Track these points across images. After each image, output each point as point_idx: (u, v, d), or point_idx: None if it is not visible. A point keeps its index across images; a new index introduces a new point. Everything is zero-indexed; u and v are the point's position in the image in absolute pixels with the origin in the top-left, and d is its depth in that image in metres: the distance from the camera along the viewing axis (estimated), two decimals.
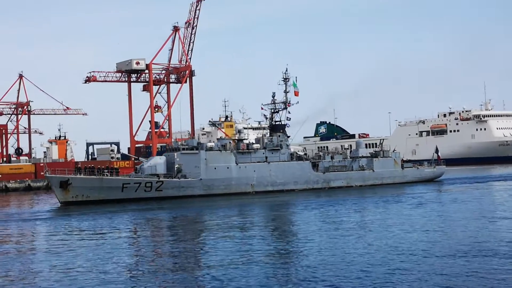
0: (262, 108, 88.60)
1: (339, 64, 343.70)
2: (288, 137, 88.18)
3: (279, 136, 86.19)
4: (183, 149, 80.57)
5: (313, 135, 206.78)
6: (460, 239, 36.59)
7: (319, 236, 40.11)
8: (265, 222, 51.63)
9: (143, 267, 31.73)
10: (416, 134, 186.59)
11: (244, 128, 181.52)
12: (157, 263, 32.77)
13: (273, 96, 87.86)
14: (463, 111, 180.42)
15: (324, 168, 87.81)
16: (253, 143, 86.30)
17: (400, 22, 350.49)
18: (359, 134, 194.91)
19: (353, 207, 60.18)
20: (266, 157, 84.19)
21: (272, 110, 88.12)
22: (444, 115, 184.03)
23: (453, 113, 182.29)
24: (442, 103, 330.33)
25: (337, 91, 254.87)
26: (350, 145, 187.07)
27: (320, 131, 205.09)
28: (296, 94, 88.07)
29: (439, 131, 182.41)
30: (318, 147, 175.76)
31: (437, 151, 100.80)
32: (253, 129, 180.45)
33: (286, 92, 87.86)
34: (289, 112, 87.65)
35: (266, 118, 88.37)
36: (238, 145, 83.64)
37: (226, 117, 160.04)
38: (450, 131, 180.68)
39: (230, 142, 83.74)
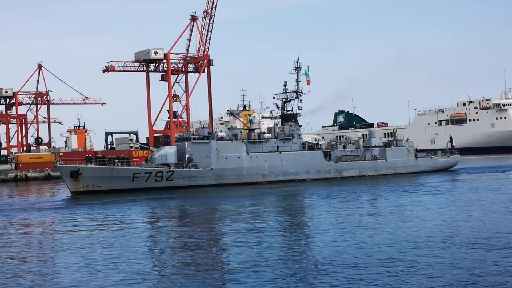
0: (274, 98, 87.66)
1: (356, 52, 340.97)
2: (300, 126, 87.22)
3: (291, 125, 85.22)
4: (194, 138, 79.88)
5: (331, 124, 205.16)
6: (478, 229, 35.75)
7: (334, 226, 38.91)
8: (279, 213, 50.63)
9: (167, 259, 31.07)
10: (435, 123, 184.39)
11: (263, 118, 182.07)
12: (179, 253, 32.35)
13: (285, 86, 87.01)
14: (482, 100, 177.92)
15: (336, 158, 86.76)
16: (264, 133, 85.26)
17: (417, 11, 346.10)
18: (377, 123, 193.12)
19: (367, 196, 59.55)
20: (278, 147, 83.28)
21: (284, 100, 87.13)
22: (464, 104, 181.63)
23: (473, 102, 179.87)
24: (461, 92, 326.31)
25: (354, 78, 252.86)
26: (366, 134, 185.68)
27: (339, 120, 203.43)
28: (308, 83, 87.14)
29: (458, 120, 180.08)
30: (337, 136, 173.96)
31: (451, 140, 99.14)
32: (271, 119, 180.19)
33: (297, 81, 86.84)
34: (301, 101, 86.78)
35: (278, 107, 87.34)
36: (249, 135, 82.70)
37: (244, 106, 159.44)
38: (470, 120, 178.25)
39: (241, 132, 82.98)
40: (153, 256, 32.30)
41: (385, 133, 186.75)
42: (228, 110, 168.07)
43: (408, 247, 30.78)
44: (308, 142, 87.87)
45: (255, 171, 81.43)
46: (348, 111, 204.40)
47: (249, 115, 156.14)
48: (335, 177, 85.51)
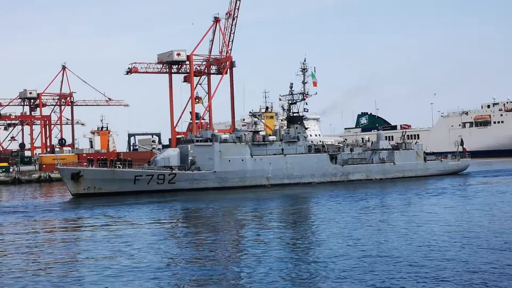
0: (280, 99, 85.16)
1: (378, 53, 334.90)
2: (306, 128, 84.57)
3: (297, 127, 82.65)
4: (197, 141, 77.79)
5: (354, 126, 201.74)
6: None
7: (343, 234, 36.99)
8: (285, 217, 48.86)
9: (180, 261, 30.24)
10: (459, 125, 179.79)
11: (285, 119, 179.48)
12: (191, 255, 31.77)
13: (291, 87, 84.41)
14: (507, 102, 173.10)
15: (342, 161, 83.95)
16: (269, 135, 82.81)
17: (441, 10, 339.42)
18: (401, 125, 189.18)
19: (373, 201, 57.41)
20: (282, 149, 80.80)
21: (290, 101, 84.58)
22: (488, 106, 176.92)
23: (497, 103, 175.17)
24: (486, 94, 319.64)
25: (376, 79, 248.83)
26: (392, 136, 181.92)
27: (362, 122, 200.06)
28: (315, 84, 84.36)
29: (483, 122, 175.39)
30: (361, 139, 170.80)
31: (462, 143, 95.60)
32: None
33: (304, 83, 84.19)
34: (306, 104, 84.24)
35: (284, 109, 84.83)
36: (253, 137, 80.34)
37: (267, 108, 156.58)
38: (494, 123, 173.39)
39: (245, 134, 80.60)
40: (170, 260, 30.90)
41: (408, 135, 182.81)
42: (250, 112, 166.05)
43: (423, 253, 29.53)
44: (314, 145, 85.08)
45: (259, 174, 79.07)
46: (371, 113, 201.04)
47: (271, 117, 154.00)
48: (341, 181, 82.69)
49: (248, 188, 76.78)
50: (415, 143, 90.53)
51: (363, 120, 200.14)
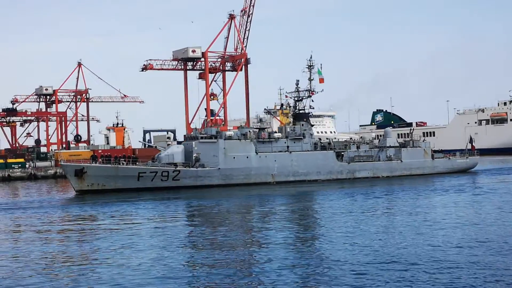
0: (286, 96, 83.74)
1: (393, 49, 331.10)
2: (312, 126, 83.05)
3: (302, 125, 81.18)
4: (202, 137, 76.68)
5: (369, 123, 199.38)
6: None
7: (352, 232, 36.25)
8: (290, 215, 47.77)
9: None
10: (475, 122, 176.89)
11: None
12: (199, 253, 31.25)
13: (297, 84, 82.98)
14: None
15: (349, 158, 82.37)
16: (275, 132, 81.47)
17: (456, 6, 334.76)
18: (416, 122, 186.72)
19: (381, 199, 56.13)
20: (288, 146, 79.39)
21: (296, 98, 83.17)
22: (505, 103, 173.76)
23: None
24: (502, 91, 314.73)
25: (392, 76, 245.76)
26: (407, 133, 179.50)
27: (377, 119, 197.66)
28: (321, 81, 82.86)
29: (499, 120, 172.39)
30: (376, 135, 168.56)
31: (471, 140, 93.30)
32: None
33: (310, 79, 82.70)
34: (312, 101, 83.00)
35: (290, 106, 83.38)
36: (258, 134, 79.02)
37: (282, 105, 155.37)
38: (511, 120, 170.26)
39: (250, 131, 79.31)
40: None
41: (424, 133, 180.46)
42: (265, 109, 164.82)
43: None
44: (321, 142, 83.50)
45: (264, 171, 77.79)
46: (386, 110, 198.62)
47: (286, 114, 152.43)
48: (347, 178, 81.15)
49: (253, 185, 75.56)
50: (423, 141, 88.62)
51: (379, 117, 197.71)
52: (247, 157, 77.14)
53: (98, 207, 55.97)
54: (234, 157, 76.46)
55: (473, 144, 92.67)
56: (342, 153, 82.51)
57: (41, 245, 34.86)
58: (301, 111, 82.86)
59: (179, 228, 41.15)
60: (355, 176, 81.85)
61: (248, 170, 77.15)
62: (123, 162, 74.20)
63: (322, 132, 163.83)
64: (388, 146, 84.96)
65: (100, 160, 74.78)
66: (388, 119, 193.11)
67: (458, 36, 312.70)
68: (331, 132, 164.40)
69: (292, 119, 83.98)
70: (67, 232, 40.18)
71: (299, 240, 34.19)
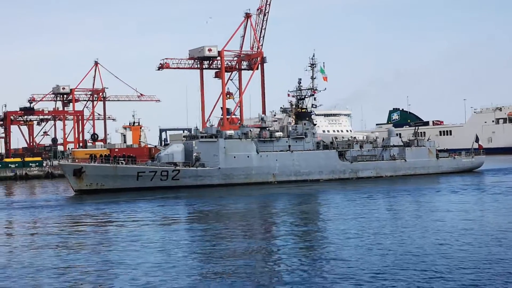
0: (288, 95, 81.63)
1: (410, 48, 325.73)
2: (315, 125, 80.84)
3: (305, 124, 79.01)
4: (202, 137, 74.89)
5: (385, 122, 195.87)
6: None
7: (359, 232, 35.04)
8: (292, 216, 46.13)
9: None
10: (493, 121, 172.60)
11: (316, 115, 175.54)
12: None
13: (299, 83, 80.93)
14: None
15: (351, 158, 80.00)
16: (276, 131, 79.37)
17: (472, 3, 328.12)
18: (433, 121, 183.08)
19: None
20: (289, 146, 77.26)
21: (298, 97, 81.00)
22: None
23: None
24: None
25: (409, 74, 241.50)
26: (424, 132, 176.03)
27: (393, 118, 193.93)
28: (325, 79, 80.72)
29: None
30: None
31: (477, 139, 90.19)
32: (324, 116, 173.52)
33: (313, 78, 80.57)
34: (314, 99, 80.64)
35: (292, 105, 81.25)
36: (260, 133, 77.00)
37: (303, 103, 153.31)
38: None
39: (251, 130, 77.35)
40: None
41: (440, 131, 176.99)
42: (281, 108, 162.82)
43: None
44: (323, 141, 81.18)
45: (265, 170, 75.82)
46: (402, 109, 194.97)
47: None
48: (350, 178, 78.80)
49: (254, 185, 73.65)
50: (427, 140, 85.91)
51: (395, 116, 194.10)
52: (248, 156, 75.23)
53: (94, 206, 54.90)
54: (234, 157, 74.60)
55: (480, 143, 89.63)
56: (345, 152, 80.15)
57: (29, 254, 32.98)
58: (303, 110, 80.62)
59: (181, 228, 39.92)
60: (358, 175, 79.54)
61: (249, 170, 75.25)
62: (122, 161, 72.66)
63: (338, 131, 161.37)
64: (392, 146, 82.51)
65: (99, 159, 73.17)
66: (404, 118, 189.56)
67: (475, 34, 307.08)
68: (347, 131, 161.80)
69: (294, 118, 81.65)
70: (63, 235, 38.79)
71: (305, 239, 33.28)
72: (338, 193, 61.32)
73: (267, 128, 78.95)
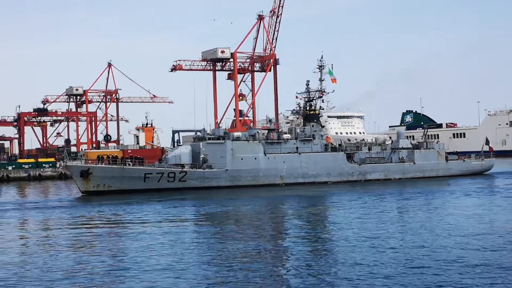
0: (297, 97, 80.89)
1: (422, 47, 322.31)
2: (323, 127, 79.96)
3: (313, 126, 78.20)
4: (209, 138, 74.35)
5: (398, 124, 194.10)
6: None
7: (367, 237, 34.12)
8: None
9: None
10: (507, 124, 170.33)
11: (329, 117, 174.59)
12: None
13: (307, 85, 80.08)
14: None
15: (360, 160, 79.10)
16: (284, 133, 78.62)
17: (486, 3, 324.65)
18: (446, 123, 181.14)
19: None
20: (297, 148, 76.49)
21: (306, 99, 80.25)
22: None
23: None
24: None
25: (422, 74, 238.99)
26: (437, 135, 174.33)
27: (406, 120, 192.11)
28: (334, 81, 79.90)
29: None
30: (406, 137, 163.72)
31: (487, 142, 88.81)
32: (337, 118, 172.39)
33: (321, 80, 79.83)
34: (322, 101, 79.88)
35: (300, 107, 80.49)
36: (267, 135, 76.30)
37: (310, 105, 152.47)
38: None
39: (258, 132, 76.70)
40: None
41: (454, 134, 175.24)
42: (293, 109, 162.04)
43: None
44: (331, 143, 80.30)
45: (272, 172, 75.11)
46: (416, 111, 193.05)
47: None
48: (358, 180, 77.86)
49: (261, 187, 73.01)
50: (436, 142, 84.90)
51: (408, 118, 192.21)
52: (255, 158, 74.59)
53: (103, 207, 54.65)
54: (242, 158, 73.99)
55: (490, 145, 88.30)
56: (353, 154, 79.25)
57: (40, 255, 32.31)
58: (311, 112, 79.85)
59: (189, 229, 39.60)
60: (366, 178, 78.60)
61: (256, 172, 74.59)
62: (129, 163, 72.25)
63: (351, 133, 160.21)
64: (401, 148, 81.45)
65: (106, 161, 72.83)
66: (417, 120, 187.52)
67: (489, 34, 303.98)
68: (360, 133, 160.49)
69: (302, 120, 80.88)
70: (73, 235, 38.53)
71: (315, 242, 32.90)
72: (347, 195, 60.60)
73: (275, 130, 78.25)
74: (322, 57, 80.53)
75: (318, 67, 80.00)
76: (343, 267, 25.87)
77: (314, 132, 77.95)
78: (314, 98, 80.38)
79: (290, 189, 69.47)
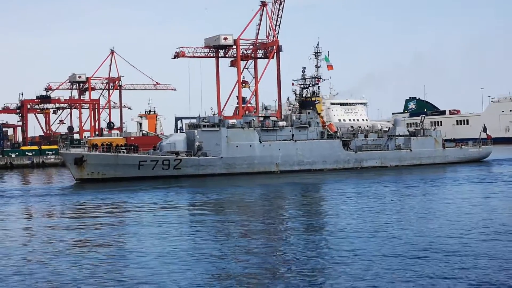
0: (293, 84, 79.81)
1: (427, 35, 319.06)
2: (319, 114, 78.79)
3: (309, 113, 77.09)
4: (204, 126, 73.39)
5: (402, 111, 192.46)
6: None
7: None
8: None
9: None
10: (510, 110, 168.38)
11: (332, 104, 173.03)
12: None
13: (303, 71, 78.99)
14: None
15: (356, 147, 78.02)
16: (280, 120, 77.58)
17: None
18: (449, 110, 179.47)
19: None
20: (293, 135, 75.47)
21: (302, 86, 79.15)
22: None
23: None
24: None
25: (426, 62, 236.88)
26: (441, 122, 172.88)
27: (410, 107, 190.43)
28: (330, 68, 78.70)
29: None
30: (407, 124, 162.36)
31: (484, 129, 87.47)
32: (340, 105, 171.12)
33: (317, 67, 78.56)
34: (318, 88, 78.62)
35: (296, 94, 79.37)
36: (262, 123, 75.28)
37: (313, 92, 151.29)
38: None
39: (254, 119, 75.65)
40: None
41: (457, 121, 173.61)
42: (304, 96, 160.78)
43: None
44: (328, 130, 79.15)
45: (268, 160, 74.18)
46: (419, 98, 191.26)
47: (319, 101, 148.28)
48: (354, 167, 76.80)
49: (256, 174, 72.12)
50: (433, 129, 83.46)
51: (411, 105, 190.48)
52: (251, 145, 73.66)
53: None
54: (237, 146, 73.07)
55: (487, 132, 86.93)
56: (349, 142, 78.16)
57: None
58: (307, 99, 78.74)
59: (187, 217, 39.40)
60: (362, 165, 77.55)
61: (251, 159, 73.68)
62: (123, 150, 71.46)
63: (354, 120, 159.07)
64: (397, 135, 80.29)
65: (100, 148, 72.09)
66: (421, 107, 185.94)
67: (493, 22, 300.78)
68: (363, 120, 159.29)
69: (298, 107, 79.75)
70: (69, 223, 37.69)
71: (312, 230, 31.98)
72: (343, 182, 59.63)
73: (270, 117, 77.25)
74: (318, 44, 79.51)
75: (314, 53, 78.80)
76: (342, 258, 24.95)
77: (310, 119, 76.88)
78: (310, 85, 79.13)
79: (286, 177, 68.51)
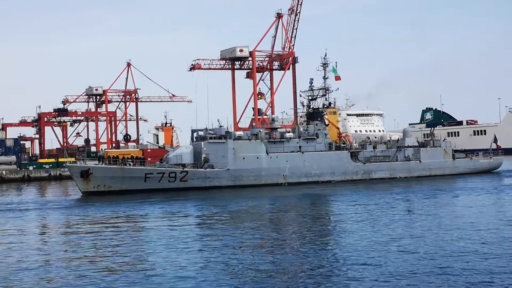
0: (300, 96, 78.62)
1: (445, 43, 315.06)
2: (327, 125, 77.44)
3: (316, 124, 75.77)
4: (211, 138, 72.39)
5: (418, 121, 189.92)
6: None
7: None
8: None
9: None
10: None
11: (348, 115, 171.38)
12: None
13: (311, 83, 77.78)
14: None
15: (364, 159, 76.45)
16: (287, 132, 76.34)
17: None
18: (467, 120, 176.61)
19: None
20: (300, 147, 74.16)
21: (310, 97, 77.91)
22: None
23: None
24: None
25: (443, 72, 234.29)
26: (458, 132, 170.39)
27: (426, 118, 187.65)
28: (338, 79, 77.47)
29: None
30: (424, 134, 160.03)
31: (495, 140, 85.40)
32: (356, 116, 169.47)
33: (325, 78, 77.37)
34: (326, 100, 77.27)
35: (303, 105, 78.19)
36: (270, 134, 74.09)
37: (329, 103, 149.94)
38: None
39: (260, 131, 74.50)
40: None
41: (474, 131, 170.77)
42: (312, 108, 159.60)
43: None
44: (336, 142, 77.74)
45: (275, 172, 72.92)
46: (436, 108, 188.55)
47: (334, 112, 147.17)
48: (363, 179, 75.24)
49: (263, 186, 70.89)
50: (443, 140, 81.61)
51: (428, 116, 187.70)
52: (257, 157, 72.50)
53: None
54: (243, 158, 71.96)
55: (498, 143, 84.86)
56: (358, 153, 76.67)
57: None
58: (315, 110, 77.47)
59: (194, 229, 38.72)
60: (371, 177, 76.01)
61: (258, 171, 72.49)
62: (130, 163, 70.66)
63: (370, 131, 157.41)
64: (407, 146, 78.57)
65: (106, 161, 71.39)
66: (437, 117, 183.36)
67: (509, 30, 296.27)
68: (379, 131, 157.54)
69: (306, 119, 78.54)
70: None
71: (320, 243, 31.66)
72: (352, 194, 58.39)
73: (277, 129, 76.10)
74: (326, 55, 78.35)
75: (321, 64, 77.58)
76: (352, 268, 24.81)
77: (318, 130, 75.58)
78: (318, 96, 77.88)
79: (293, 189, 67.22)
